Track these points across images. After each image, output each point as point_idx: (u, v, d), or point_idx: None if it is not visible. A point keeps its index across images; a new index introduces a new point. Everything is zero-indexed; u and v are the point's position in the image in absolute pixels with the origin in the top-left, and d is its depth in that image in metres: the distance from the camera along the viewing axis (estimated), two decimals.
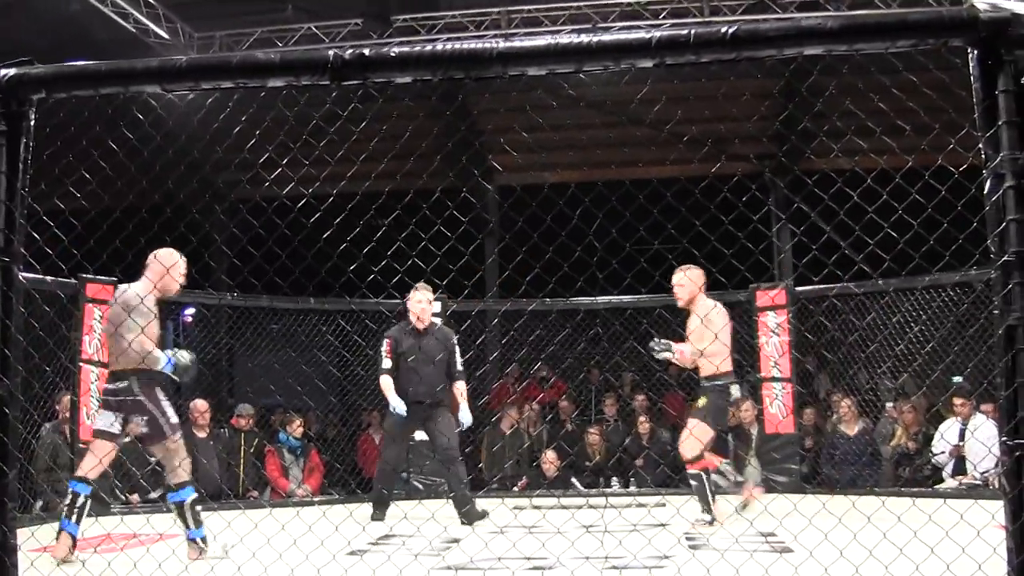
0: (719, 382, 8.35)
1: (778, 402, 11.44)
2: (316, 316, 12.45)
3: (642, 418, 12.51)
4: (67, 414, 10.48)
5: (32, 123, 3.64)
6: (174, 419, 7.20)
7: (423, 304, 9.68)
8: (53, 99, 3.65)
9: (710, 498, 8.28)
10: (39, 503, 10.21)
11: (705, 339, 7.93)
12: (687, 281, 8.31)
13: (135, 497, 10.73)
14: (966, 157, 4.34)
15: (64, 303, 9.90)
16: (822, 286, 11.18)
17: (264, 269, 6.14)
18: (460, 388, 9.70)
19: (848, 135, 7.23)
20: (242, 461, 11.77)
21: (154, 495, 10.89)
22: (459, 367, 9.74)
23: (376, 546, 7.39)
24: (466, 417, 9.63)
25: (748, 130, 14.91)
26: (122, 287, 7.14)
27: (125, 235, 6.09)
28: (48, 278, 9.01)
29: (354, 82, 3.51)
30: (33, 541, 6.03)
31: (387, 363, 9.61)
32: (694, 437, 8.33)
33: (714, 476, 8.55)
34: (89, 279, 10.19)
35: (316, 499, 11.62)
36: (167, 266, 6.90)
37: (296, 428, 12.21)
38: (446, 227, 5.27)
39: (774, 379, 11.50)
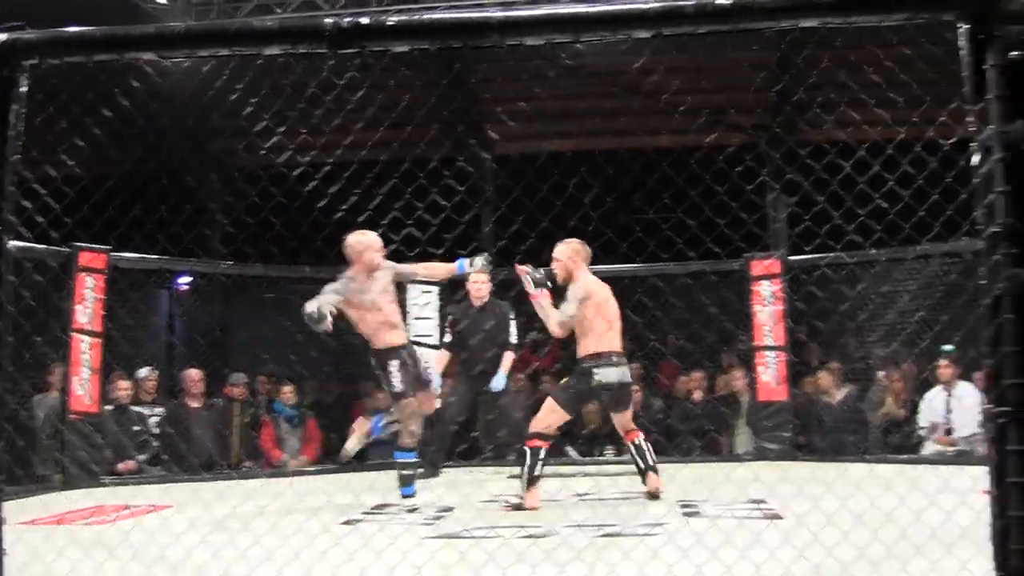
0: (584, 364, 7.89)
1: (771, 370, 11.44)
2: (312, 284, 12.37)
3: (635, 386, 12.49)
4: (59, 386, 10.45)
5: (24, 90, 3.60)
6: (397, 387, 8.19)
7: (478, 284, 10.40)
8: (46, 65, 3.61)
9: (528, 477, 7.60)
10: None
11: (566, 314, 7.74)
12: (560, 256, 7.93)
13: (129, 464, 10.74)
14: (956, 129, 4.34)
15: (57, 272, 9.83)
16: (815, 255, 11.12)
17: (259, 237, 6.14)
18: (507, 356, 10.48)
19: (841, 106, 7.24)
20: (236, 431, 11.74)
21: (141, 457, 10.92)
22: (512, 339, 10.55)
23: (370, 515, 7.40)
24: (498, 382, 10.42)
25: (745, 101, 14.86)
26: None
27: (119, 202, 6.07)
28: (39, 246, 8.90)
29: (351, 50, 3.50)
30: (22, 515, 6.03)
31: (447, 338, 10.80)
32: (546, 411, 7.89)
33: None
34: (82, 247, 10.09)
35: (311, 469, 11.57)
36: (357, 250, 8.06)
37: (287, 396, 12.19)
38: (443, 196, 5.25)
39: (767, 347, 11.48)
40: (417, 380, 8.41)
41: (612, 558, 4.84)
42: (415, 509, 7.63)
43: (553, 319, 7.85)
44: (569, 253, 7.89)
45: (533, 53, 13.54)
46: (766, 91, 14.62)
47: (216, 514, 6.36)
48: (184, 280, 15.14)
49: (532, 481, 7.59)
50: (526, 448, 7.74)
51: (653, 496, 7.88)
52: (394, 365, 8.11)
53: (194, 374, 11.65)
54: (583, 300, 7.72)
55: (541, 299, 8.00)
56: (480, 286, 10.41)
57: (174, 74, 10.38)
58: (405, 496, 8.11)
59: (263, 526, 5.41)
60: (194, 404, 11.51)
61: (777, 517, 6.53)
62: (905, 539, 4.68)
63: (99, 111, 5.22)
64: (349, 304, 8.03)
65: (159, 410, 11.34)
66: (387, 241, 5.43)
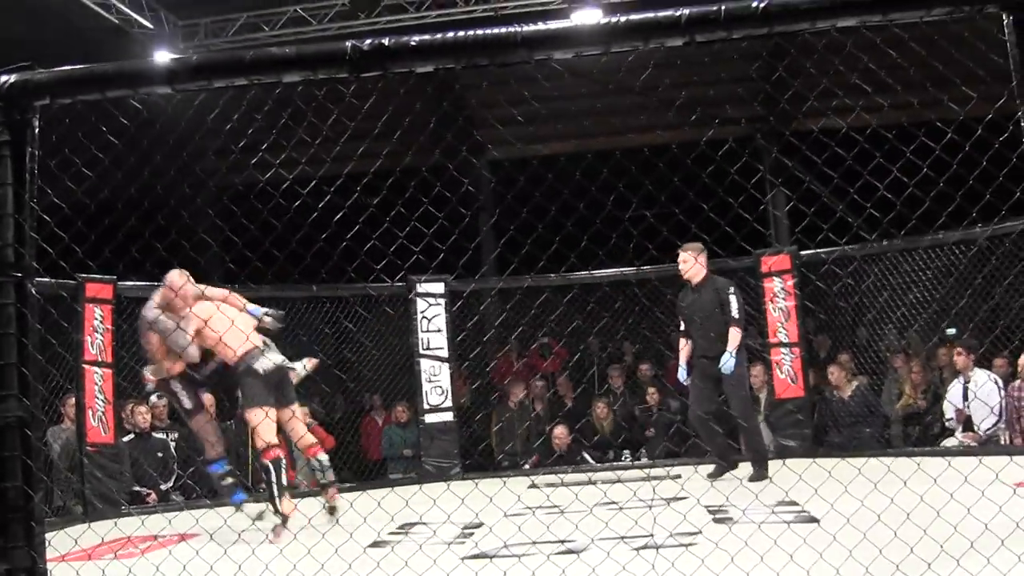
0: (242, 364, 7.98)
1: (787, 367, 11.39)
2: (305, 303, 12.32)
3: (651, 389, 12.42)
4: (73, 417, 10.38)
5: (37, 131, 3.55)
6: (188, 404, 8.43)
7: (681, 264, 9.81)
8: (57, 105, 3.56)
9: (275, 491, 7.83)
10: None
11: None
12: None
13: (153, 494, 10.72)
14: (957, 113, 4.28)
15: (67, 303, 9.77)
16: (824, 249, 11.06)
17: (252, 258, 6.04)
18: (732, 334, 9.50)
19: (840, 95, 7.11)
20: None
21: (166, 485, 10.86)
22: (734, 313, 9.57)
23: (400, 535, 7.31)
24: (726, 364, 9.44)
25: (738, 93, 14.78)
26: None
27: (124, 231, 5.99)
28: (49, 280, 8.85)
29: (374, 73, 3.43)
30: (49, 550, 5.94)
31: (683, 325, 10.04)
32: (254, 425, 8.12)
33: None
34: (89, 279, 10.05)
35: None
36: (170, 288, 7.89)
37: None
38: (437, 206, 5.18)
39: (782, 344, 11.45)
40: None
41: (659, 569, 4.77)
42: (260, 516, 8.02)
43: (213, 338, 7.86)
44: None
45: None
46: (760, 82, 14.52)
47: (250, 540, 6.27)
48: None
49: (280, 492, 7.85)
50: (264, 463, 7.90)
51: (333, 509, 8.19)
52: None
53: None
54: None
55: None
56: (683, 266, 9.79)
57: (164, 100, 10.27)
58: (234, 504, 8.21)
59: (298, 551, 5.33)
60: None
61: (812, 520, 6.44)
62: (958, 535, 4.62)
63: (94, 139, 5.13)
64: None
65: (174, 435, 11.28)
66: (383, 254, 5.29)
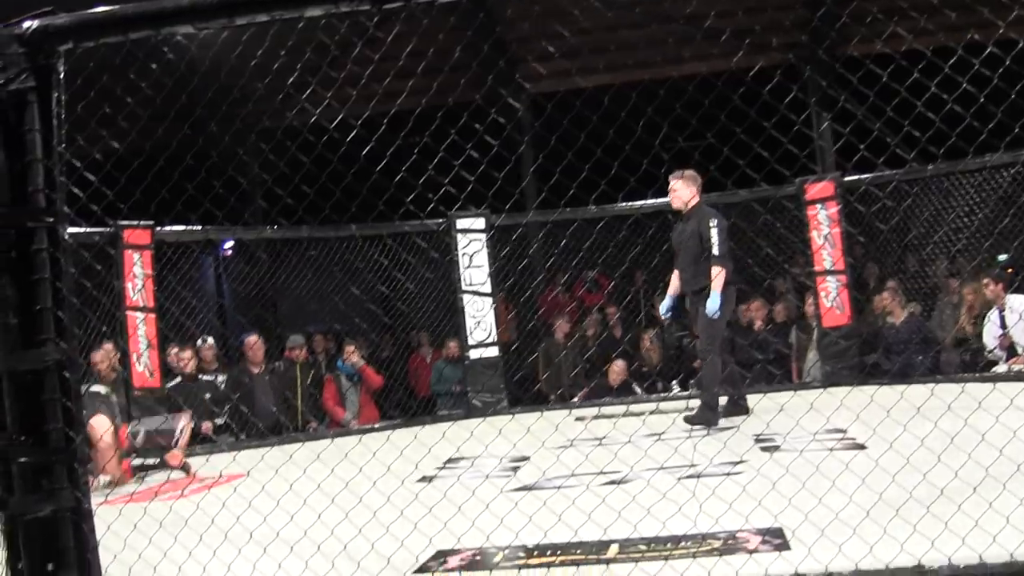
0: None
1: (833, 295, 11.26)
2: (346, 242, 12.32)
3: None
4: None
5: (62, 76, 3.52)
6: None
7: (670, 192, 9.05)
8: (81, 49, 3.53)
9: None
10: None
11: None
12: None
13: (207, 424, 10.89)
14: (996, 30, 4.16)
15: (102, 249, 9.80)
16: (869, 175, 10.90)
17: (299, 196, 6.04)
18: (713, 272, 8.56)
19: (874, 17, 6.99)
20: (299, 393, 11.72)
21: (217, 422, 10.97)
22: (715, 250, 8.59)
23: (444, 469, 7.34)
24: (712, 304, 8.50)
25: (780, 20, 14.50)
26: None
27: (158, 175, 5.98)
28: (83, 229, 8.85)
29: (396, 4, 3.37)
30: (96, 494, 6.00)
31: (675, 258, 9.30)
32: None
33: None
34: (127, 225, 10.08)
35: (378, 425, 11.54)
36: None
37: (351, 354, 12.16)
38: (481, 143, 5.12)
39: (828, 272, 11.27)
40: None
41: (700, 496, 4.74)
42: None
43: None
44: None
45: None
46: (802, 8, 14.26)
47: (288, 479, 6.31)
48: (228, 245, 15.10)
49: None
50: None
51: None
52: None
53: (253, 340, 11.60)
54: None
55: None
56: (671, 194, 8.98)
57: (193, 37, 10.25)
58: None
59: (336, 486, 5.34)
60: (256, 370, 11.48)
61: (859, 447, 6.39)
62: (1004, 458, 4.55)
63: (127, 81, 5.12)
64: None
65: (222, 378, 11.34)
66: (424, 193, 5.25)
